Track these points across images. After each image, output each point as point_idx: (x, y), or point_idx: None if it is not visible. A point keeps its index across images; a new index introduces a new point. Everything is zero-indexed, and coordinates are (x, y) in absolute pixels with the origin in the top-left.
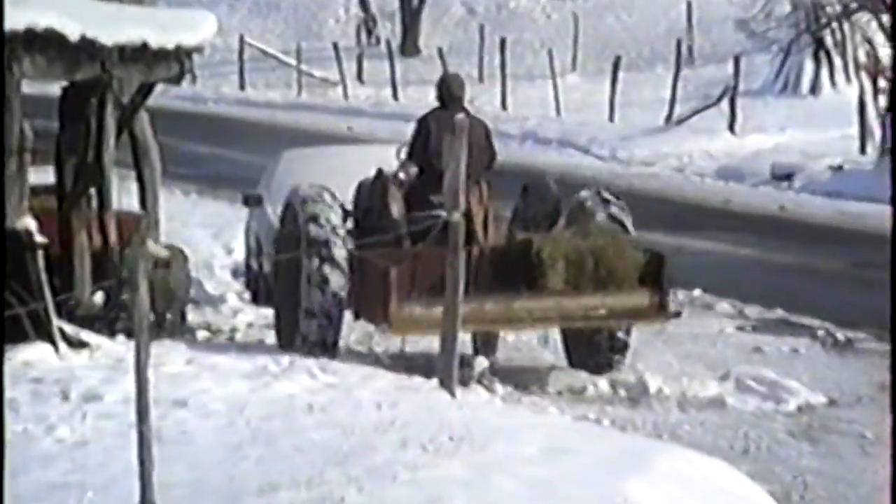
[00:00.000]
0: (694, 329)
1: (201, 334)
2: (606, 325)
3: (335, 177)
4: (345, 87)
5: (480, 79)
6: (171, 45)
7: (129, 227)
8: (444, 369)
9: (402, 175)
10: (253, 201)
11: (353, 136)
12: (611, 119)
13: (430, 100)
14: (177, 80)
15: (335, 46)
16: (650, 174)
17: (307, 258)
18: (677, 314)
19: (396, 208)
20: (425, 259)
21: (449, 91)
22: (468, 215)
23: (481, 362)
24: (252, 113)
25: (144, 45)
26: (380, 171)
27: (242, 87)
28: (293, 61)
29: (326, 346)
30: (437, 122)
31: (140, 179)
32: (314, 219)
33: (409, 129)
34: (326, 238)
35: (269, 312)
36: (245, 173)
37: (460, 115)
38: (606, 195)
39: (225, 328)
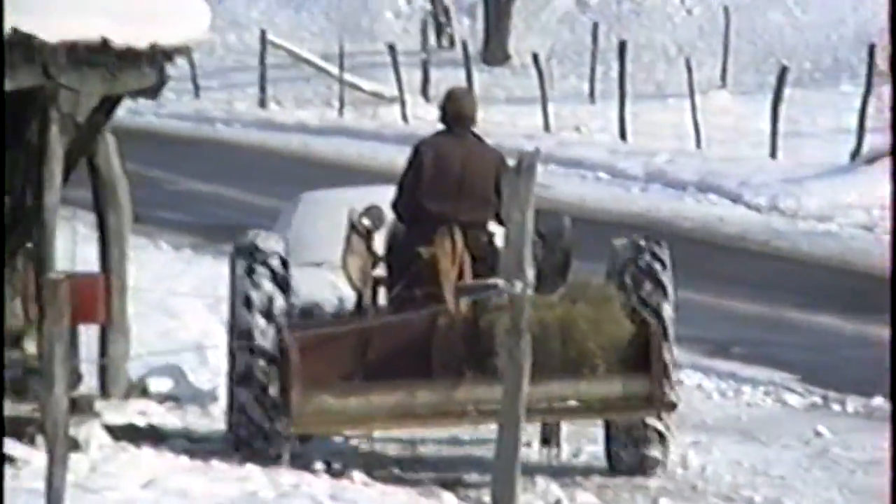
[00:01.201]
0: (869, 453)
1: (177, 444)
2: (575, 420)
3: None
4: (404, 106)
5: (591, 97)
6: (142, 44)
7: (83, 294)
8: (499, 501)
9: (365, 221)
10: None
11: None
12: (772, 154)
13: (520, 124)
14: (153, 92)
15: (392, 49)
16: (825, 232)
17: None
18: (672, 406)
19: (354, 266)
20: (358, 336)
21: (456, 110)
22: (437, 273)
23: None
24: (276, 139)
25: (105, 44)
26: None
27: (264, 103)
28: (334, 69)
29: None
30: (434, 151)
31: (102, 227)
32: (246, 298)
33: None
34: (249, 327)
35: None
36: (260, 221)
37: (531, 150)
38: (645, 244)
39: (211, 437)
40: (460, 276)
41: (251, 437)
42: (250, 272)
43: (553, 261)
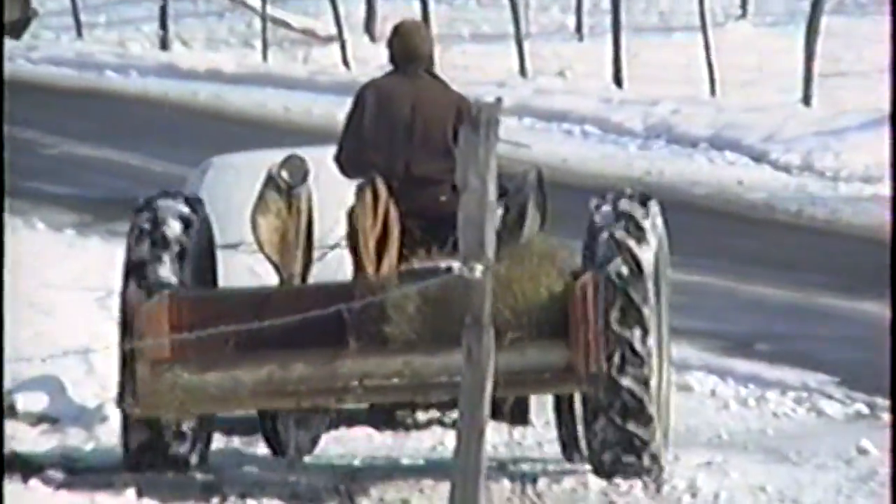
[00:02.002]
0: None
1: (54, 477)
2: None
3: None
4: (343, 47)
5: (578, 33)
6: None
7: None
8: None
9: (284, 174)
10: None
11: None
12: (805, 100)
13: (489, 68)
14: (17, 30)
15: None
16: (871, 197)
17: None
18: (594, 379)
19: (268, 228)
20: (224, 300)
21: (404, 46)
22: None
23: None
24: (181, 89)
25: None
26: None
27: (165, 44)
28: (256, 1)
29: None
30: (378, 94)
31: None
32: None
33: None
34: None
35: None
36: None
37: (490, 100)
38: (626, 205)
39: (98, 467)
40: (384, 236)
41: (146, 456)
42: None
43: (508, 218)
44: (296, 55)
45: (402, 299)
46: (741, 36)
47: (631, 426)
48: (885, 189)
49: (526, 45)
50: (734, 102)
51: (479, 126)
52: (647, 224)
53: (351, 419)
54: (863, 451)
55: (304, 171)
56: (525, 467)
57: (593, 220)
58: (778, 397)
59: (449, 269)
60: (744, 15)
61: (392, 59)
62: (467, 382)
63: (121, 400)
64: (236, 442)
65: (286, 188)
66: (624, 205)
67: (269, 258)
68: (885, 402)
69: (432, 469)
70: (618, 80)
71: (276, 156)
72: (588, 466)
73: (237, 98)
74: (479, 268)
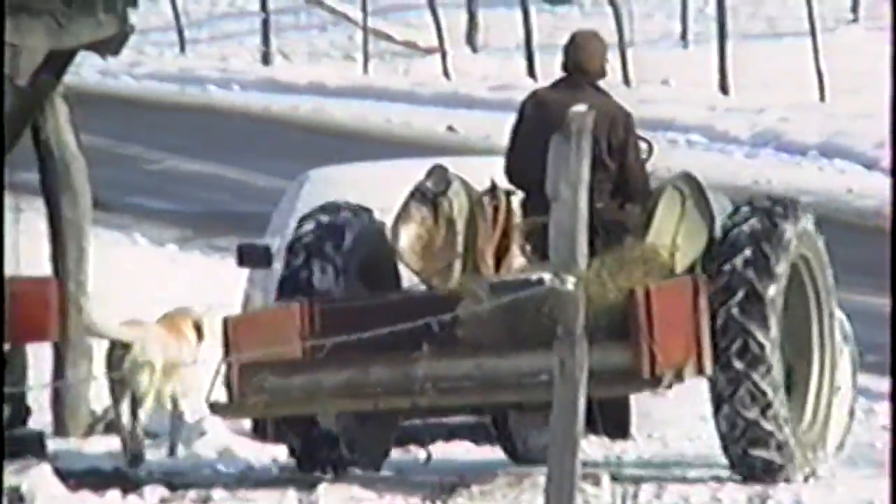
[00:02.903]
0: None
1: (154, 493)
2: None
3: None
4: (444, 58)
5: (683, 39)
6: None
7: (30, 304)
8: None
9: (429, 184)
10: (254, 257)
11: (457, 142)
12: None
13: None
14: (115, 46)
15: None
16: None
17: None
18: (656, 380)
19: (409, 236)
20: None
21: (573, 57)
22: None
23: None
24: (283, 103)
25: None
26: (493, 185)
27: (267, 58)
28: (356, 13)
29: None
30: (537, 103)
31: (53, 218)
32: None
33: None
34: None
35: (278, 454)
36: (263, 208)
37: (579, 107)
38: (765, 203)
39: (195, 487)
40: (504, 249)
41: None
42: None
43: (637, 223)
44: (397, 67)
45: (477, 298)
46: (852, 41)
47: (752, 414)
48: None
49: (629, 53)
50: (844, 109)
51: (570, 135)
52: (783, 225)
53: (452, 433)
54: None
55: (448, 181)
56: (626, 481)
57: (730, 218)
58: (887, 410)
59: (541, 281)
60: (855, 19)
61: (563, 67)
62: (560, 396)
63: (211, 402)
64: None
65: (431, 197)
66: (763, 203)
67: (410, 267)
68: None
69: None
70: (724, 88)
71: (373, 168)
72: (688, 479)
73: (338, 111)
74: (570, 279)
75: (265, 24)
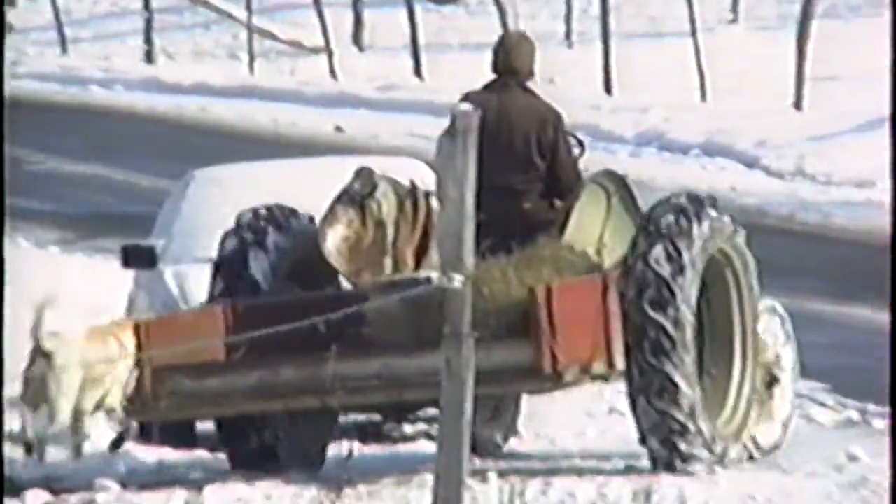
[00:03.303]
0: None
1: (35, 498)
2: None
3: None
4: (331, 58)
5: (568, 39)
6: None
7: None
8: None
9: (356, 185)
10: (139, 258)
11: (344, 142)
12: (797, 104)
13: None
14: None
15: None
16: (864, 202)
17: None
18: (557, 376)
19: (335, 238)
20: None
21: (502, 58)
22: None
23: None
24: (166, 103)
25: None
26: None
27: (150, 57)
28: (241, 12)
29: None
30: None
31: None
32: None
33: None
34: None
35: (169, 457)
36: (148, 209)
37: (464, 106)
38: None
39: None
40: (424, 249)
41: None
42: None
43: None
44: (283, 67)
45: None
46: (732, 41)
47: (666, 407)
48: (877, 194)
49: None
50: (726, 108)
51: (457, 134)
52: (696, 220)
53: (342, 433)
54: (853, 458)
55: (375, 182)
56: (513, 477)
57: (644, 215)
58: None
59: (428, 280)
60: (735, 20)
61: (493, 69)
62: (447, 393)
63: (127, 405)
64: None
65: (359, 199)
66: (678, 200)
67: (337, 268)
68: (876, 409)
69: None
70: (608, 87)
71: (260, 168)
72: (575, 475)
73: (224, 111)
74: (458, 278)
75: (148, 22)
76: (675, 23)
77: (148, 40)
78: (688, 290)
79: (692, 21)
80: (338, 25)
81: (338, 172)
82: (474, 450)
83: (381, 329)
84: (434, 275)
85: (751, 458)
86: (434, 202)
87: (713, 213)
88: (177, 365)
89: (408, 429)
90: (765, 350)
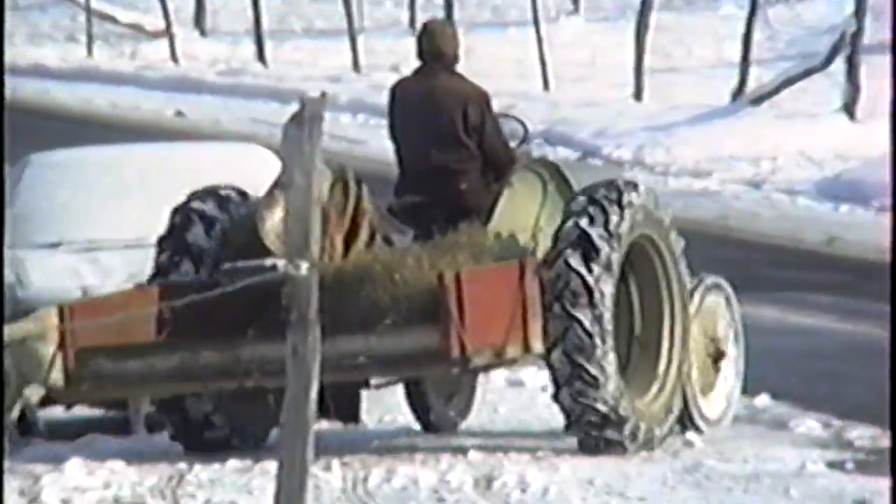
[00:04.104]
0: (750, 465)
1: None
2: (364, 379)
3: (135, 200)
4: (172, 41)
5: (412, 27)
6: None
7: None
8: None
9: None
10: None
11: (186, 127)
12: (637, 96)
13: (322, 63)
14: None
15: None
16: (702, 191)
17: None
18: (465, 360)
19: (273, 222)
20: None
21: (426, 45)
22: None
23: None
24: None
25: None
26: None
27: None
28: None
29: None
30: (399, 91)
31: None
32: None
33: (281, 112)
34: None
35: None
36: None
37: (311, 94)
38: (601, 194)
39: None
40: (353, 234)
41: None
42: None
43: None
44: (123, 50)
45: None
46: (573, 31)
47: (587, 400)
48: (713, 184)
49: (360, 41)
50: (567, 97)
51: (303, 121)
52: (615, 210)
53: None
54: (688, 444)
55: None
56: (356, 465)
57: (565, 207)
58: None
59: (274, 267)
60: (576, 10)
61: (419, 56)
62: (293, 379)
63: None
64: None
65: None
66: (597, 190)
67: (272, 250)
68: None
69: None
70: None
71: (98, 153)
72: (417, 466)
73: (61, 94)
74: (304, 265)
75: None
76: (517, 12)
77: None
78: (611, 252)
79: (534, 11)
80: (179, 9)
81: (178, 157)
82: (431, 427)
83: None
84: (280, 262)
85: (697, 430)
86: (364, 189)
87: (635, 199)
88: (99, 346)
89: None
90: (708, 326)
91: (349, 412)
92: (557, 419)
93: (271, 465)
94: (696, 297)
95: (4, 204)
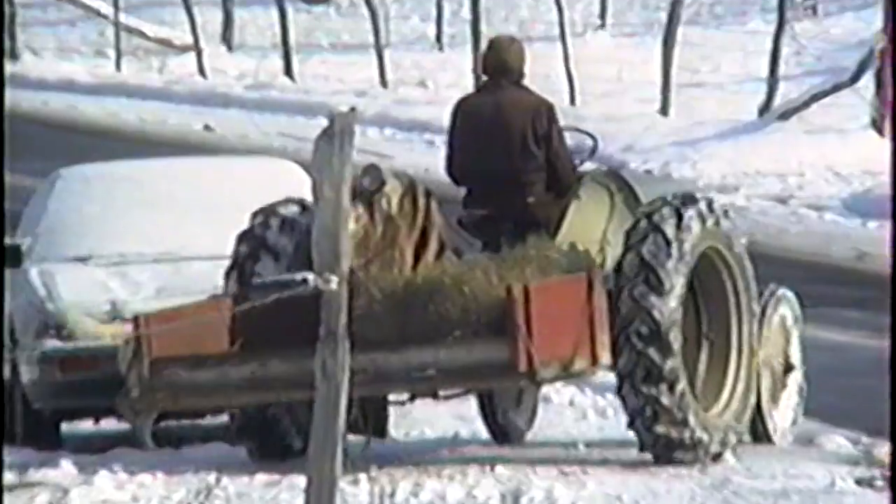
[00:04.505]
0: (779, 482)
1: None
2: (433, 391)
3: (163, 214)
4: (200, 56)
5: (439, 42)
6: None
7: None
8: None
9: (365, 182)
10: (4, 257)
11: (214, 141)
12: (663, 111)
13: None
14: None
15: None
16: (728, 206)
17: None
18: (533, 373)
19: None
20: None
21: (492, 60)
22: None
23: None
24: (31, 100)
25: None
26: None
27: (14, 53)
28: (108, 8)
29: None
30: (465, 104)
31: None
32: None
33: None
34: None
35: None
36: (14, 207)
37: (342, 108)
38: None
39: None
40: (423, 246)
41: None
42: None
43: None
44: (151, 64)
45: (371, 303)
46: (600, 46)
47: (651, 391)
48: (740, 199)
49: (386, 55)
50: (593, 112)
51: (334, 136)
52: (688, 216)
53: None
54: (717, 460)
55: (383, 179)
56: (384, 480)
57: (638, 213)
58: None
59: (305, 281)
60: (602, 25)
61: (484, 71)
62: (322, 395)
63: (122, 395)
64: None
65: (368, 195)
66: (673, 199)
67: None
68: None
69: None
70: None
71: (127, 167)
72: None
73: (90, 108)
74: (334, 279)
75: (12, 18)
76: (544, 27)
77: (11, 36)
78: (675, 280)
79: (561, 26)
80: (207, 23)
81: (206, 172)
82: (499, 437)
83: (365, 325)
84: (310, 276)
85: (769, 440)
86: (433, 201)
87: (705, 210)
88: (174, 357)
89: None
90: (778, 338)
91: (377, 427)
92: (585, 435)
93: (299, 480)
94: (769, 308)
95: (4, 203)
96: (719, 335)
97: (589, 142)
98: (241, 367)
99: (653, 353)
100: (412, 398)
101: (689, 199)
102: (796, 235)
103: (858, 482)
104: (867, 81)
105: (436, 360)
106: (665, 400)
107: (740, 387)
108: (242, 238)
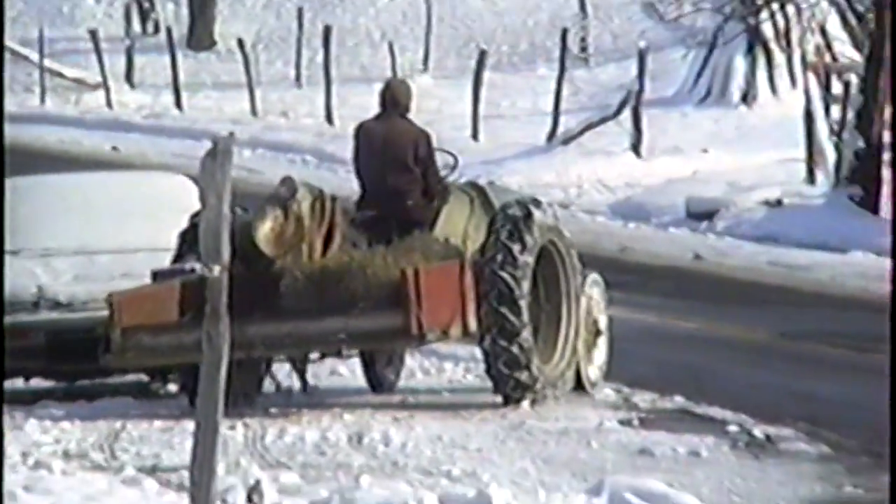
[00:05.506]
0: (561, 423)
1: None
2: (341, 349)
3: (79, 216)
4: (108, 92)
5: (298, 81)
6: None
7: None
8: (199, 484)
9: (281, 190)
10: None
11: (120, 160)
12: (474, 136)
13: (227, 110)
14: None
15: (93, 35)
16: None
17: None
18: (421, 336)
19: (263, 229)
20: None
21: (387, 96)
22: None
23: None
24: None
25: None
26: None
27: None
28: (34, 54)
29: None
30: (362, 130)
31: None
32: None
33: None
34: None
35: None
36: None
37: (224, 134)
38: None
39: None
40: (329, 240)
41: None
42: None
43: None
44: (69, 99)
45: (294, 282)
46: (424, 86)
47: (505, 343)
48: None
49: (256, 92)
50: None
51: (216, 155)
52: (535, 213)
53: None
54: (516, 407)
55: (295, 188)
56: (255, 425)
57: (494, 214)
58: (453, 367)
59: (193, 270)
60: (426, 69)
61: (380, 104)
62: (207, 360)
63: (103, 354)
64: None
65: (283, 201)
66: (514, 213)
67: (265, 252)
68: None
69: (179, 430)
70: (329, 119)
71: (49, 179)
72: (304, 426)
73: (21, 134)
74: (216, 268)
75: None
76: (380, 70)
77: None
78: (526, 258)
79: (393, 69)
80: (114, 66)
81: (114, 183)
82: (375, 387)
83: (293, 298)
84: (197, 266)
85: (585, 389)
86: (338, 204)
87: (545, 209)
88: (140, 324)
89: (172, 387)
90: (592, 310)
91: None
92: (414, 389)
93: (189, 425)
94: (585, 286)
95: (4, 209)
96: (554, 308)
97: (451, 159)
98: (193, 333)
99: (507, 312)
100: (322, 356)
101: (533, 202)
102: (573, 233)
103: (621, 422)
104: (626, 115)
105: (346, 326)
106: (515, 350)
107: (569, 348)
108: (183, 236)
